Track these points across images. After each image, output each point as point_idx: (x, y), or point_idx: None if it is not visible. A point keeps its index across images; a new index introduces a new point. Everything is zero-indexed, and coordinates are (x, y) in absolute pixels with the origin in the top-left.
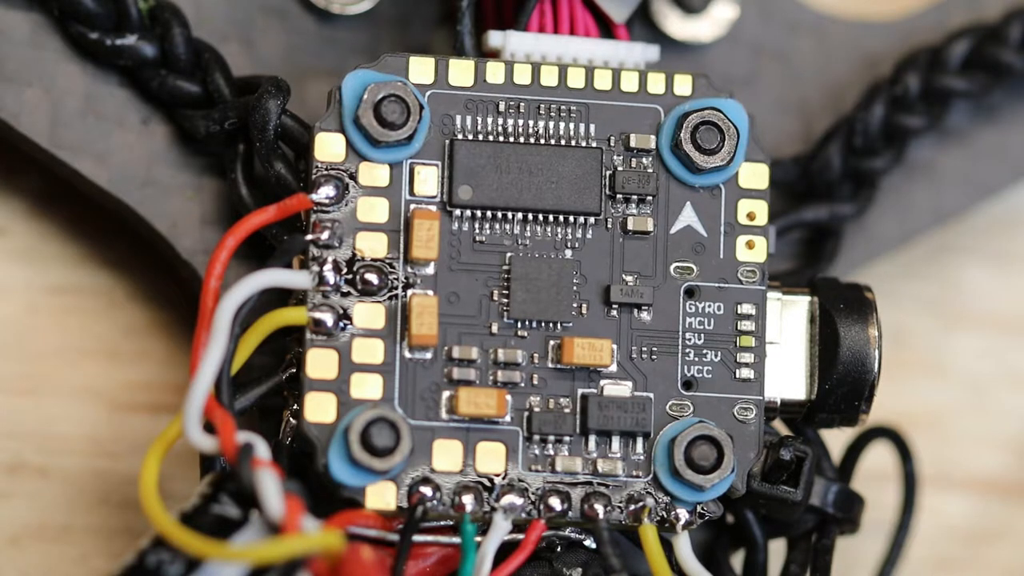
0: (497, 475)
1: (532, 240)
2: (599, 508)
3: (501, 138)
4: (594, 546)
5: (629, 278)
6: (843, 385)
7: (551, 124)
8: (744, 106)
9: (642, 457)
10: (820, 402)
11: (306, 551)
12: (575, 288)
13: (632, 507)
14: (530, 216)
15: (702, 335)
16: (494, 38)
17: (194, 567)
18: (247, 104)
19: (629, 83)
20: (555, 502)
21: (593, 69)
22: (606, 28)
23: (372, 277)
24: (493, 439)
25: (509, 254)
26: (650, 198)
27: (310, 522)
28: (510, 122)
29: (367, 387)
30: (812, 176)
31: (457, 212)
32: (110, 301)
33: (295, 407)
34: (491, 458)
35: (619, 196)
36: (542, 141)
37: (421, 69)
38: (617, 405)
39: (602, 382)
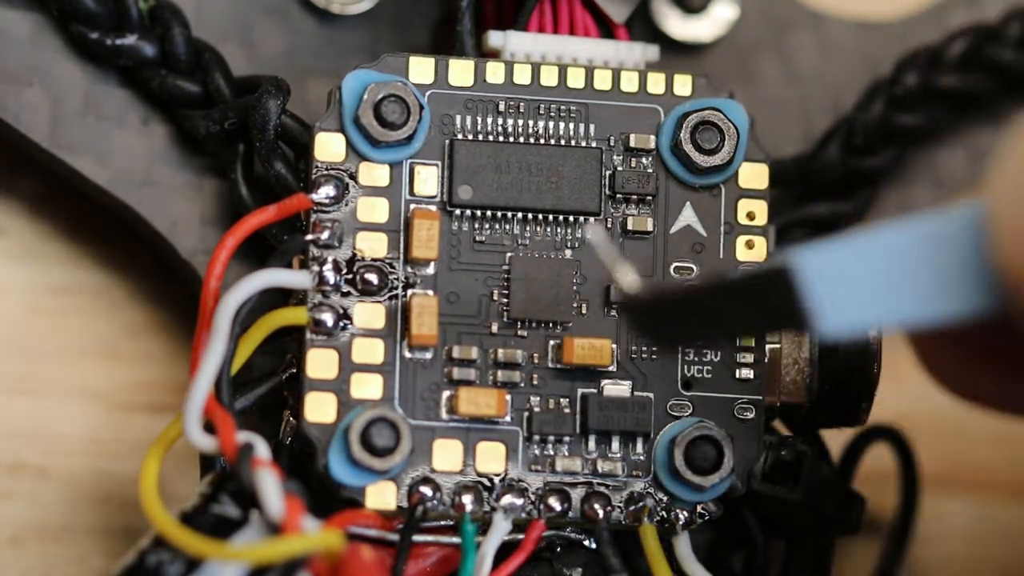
0: (497, 475)
1: (532, 240)
2: (599, 508)
3: (501, 138)
4: (594, 546)
5: None
6: (843, 385)
7: (551, 124)
8: (744, 106)
9: (642, 457)
10: (820, 402)
11: (306, 551)
12: (575, 288)
13: (632, 507)
14: (530, 216)
15: None
16: (494, 38)
17: (194, 567)
18: (247, 104)
19: (629, 83)
20: (555, 502)
21: (593, 69)
22: (606, 28)
23: (372, 277)
24: (493, 439)
25: (509, 254)
26: (650, 198)
27: (310, 522)
28: (510, 122)
29: (367, 387)
30: (812, 176)
31: (457, 212)
32: (110, 301)
33: (295, 407)
34: (491, 458)
35: (619, 196)
36: (542, 141)
37: (421, 69)
38: (617, 405)
39: (602, 382)
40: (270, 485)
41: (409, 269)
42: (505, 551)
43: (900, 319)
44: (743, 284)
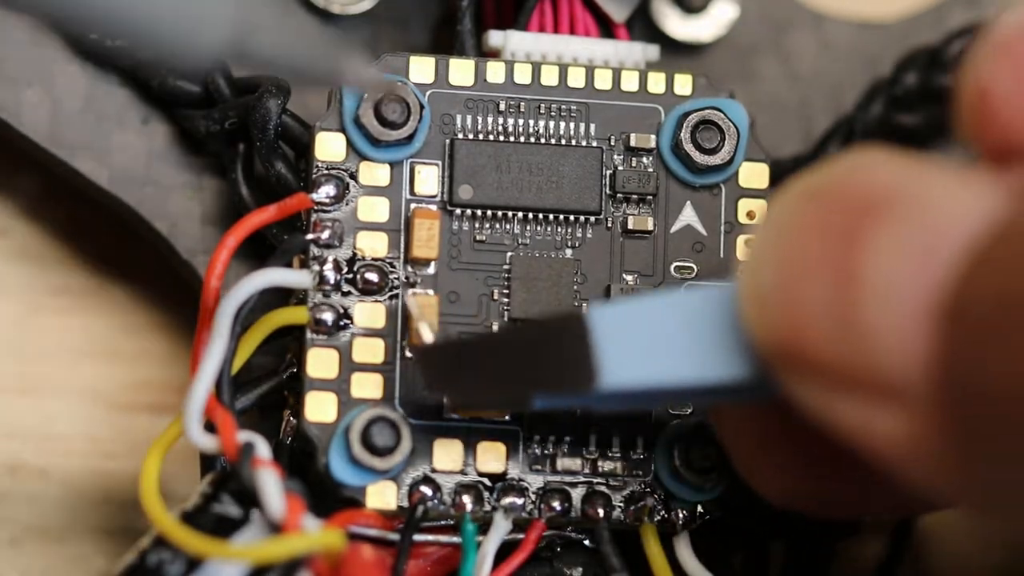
0: (497, 475)
1: (532, 239)
2: (599, 508)
3: (501, 138)
4: (594, 546)
5: (629, 277)
6: None
7: (551, 124)
8: (744, 106)
9: (642, 457)
10: None
11: (307, 550)
12: (575, 288)
13: (632, 507)
14: (530, 216)
15: None
16: (494, 38)
17: (195, 566)
18: (247, 104)
19: (629, 83)
20: (555, 502)
21: (593, 69)
22: (606, 28)
23: (373, 276)
24: (493, 439)
25: (509, 253)
26: (650, 197)
27: (311, 521)
28: (510, 121)
29: (367, 387)
30: None
31: (457, 211)
32: (110, 301)
33: (295, 407)
34: (491, 458)
35: (619, 195)
36: (542, 141)
37: (421, 69)
38: None
39: None
40: (271, 484)
41: (409, 268)
42: (505, 551)
43: (678, 379)
44: (535, 331)
